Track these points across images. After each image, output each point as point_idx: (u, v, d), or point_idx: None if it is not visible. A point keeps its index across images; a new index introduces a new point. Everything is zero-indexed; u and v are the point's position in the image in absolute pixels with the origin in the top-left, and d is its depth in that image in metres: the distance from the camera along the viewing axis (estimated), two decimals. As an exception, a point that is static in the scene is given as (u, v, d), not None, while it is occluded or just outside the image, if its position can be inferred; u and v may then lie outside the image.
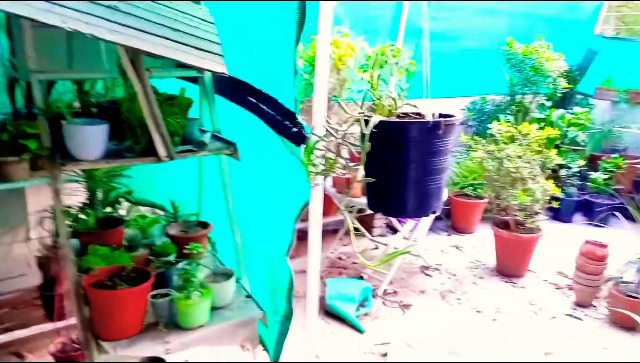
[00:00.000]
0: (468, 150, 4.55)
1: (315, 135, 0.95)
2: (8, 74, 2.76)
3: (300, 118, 1.48)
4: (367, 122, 0.86)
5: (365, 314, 3.42)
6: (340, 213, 0.88)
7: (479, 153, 3.96)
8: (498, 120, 4.33)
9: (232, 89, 1.87)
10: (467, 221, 4.92)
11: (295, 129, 1.50)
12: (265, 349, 1.95)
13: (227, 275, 1.88)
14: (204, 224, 2.29)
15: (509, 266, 4.05)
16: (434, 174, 0.89)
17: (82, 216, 2.28)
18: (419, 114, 0.98)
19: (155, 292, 1.75)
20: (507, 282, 3.96)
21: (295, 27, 1.41)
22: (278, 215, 1.74)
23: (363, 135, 0.80)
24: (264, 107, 1.66)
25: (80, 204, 2.39)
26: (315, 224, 1.58)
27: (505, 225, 4.00)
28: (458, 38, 4.73)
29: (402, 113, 0.97)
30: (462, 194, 4.92)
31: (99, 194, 2.39)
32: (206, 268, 1.87)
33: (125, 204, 3.01)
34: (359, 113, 0.91)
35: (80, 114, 1.78)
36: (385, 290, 3.73)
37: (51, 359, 2.79)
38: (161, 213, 3.09)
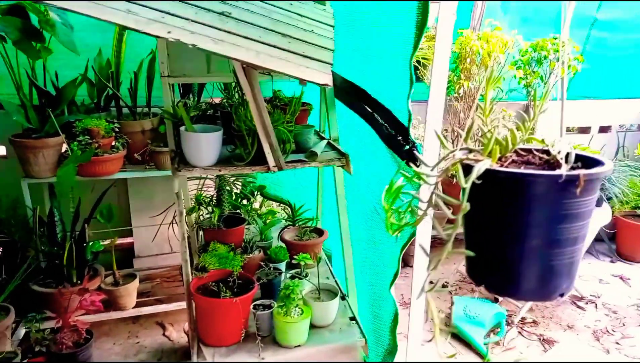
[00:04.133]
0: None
1: (404, 174, 0.76)
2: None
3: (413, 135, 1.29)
4: (468, 169, 0.64)
5: (497, 343, 3.05)
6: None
7: (662, 168, 3.21)
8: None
9: (350, 95, 1.74)
10: (638, 248, 4.09)
11: (407, 147, 1.32)
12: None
13: (332, 293, 1.78)
14: (320, 232, 2.22)
15: (695, 313, 3.23)
16: (564, 246, 0.62)
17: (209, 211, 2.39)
18: (546, 152, 0.70)
19: (259, 302, 1.74)
20: (690, 333, 3.17)
21: (414, 30, 1.21)
22: (385, 239, 1.58)
23: (463, 189, 0.58)
24: (378, 118, 1.49)
25: (210, 200, 2.53)
26: (420, 258, 1.37)
27: (693, 261, 3.20)
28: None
29: (521, 150, 0.71)
30: (633, 215, 4.10)
31: (227, 192, 2.49)
32: (309, 283, 1.79)
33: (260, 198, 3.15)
34: (461, 149, 0.68)
35: (203, 118, 1.83)
36: (524, 319, 3.28)
37: (184, 335, 3.05)
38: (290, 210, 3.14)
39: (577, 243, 0.64)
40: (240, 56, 1.16)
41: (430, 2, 1.17)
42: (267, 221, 2.33)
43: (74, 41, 2.80)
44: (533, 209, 0.60)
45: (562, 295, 0.65)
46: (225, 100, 2.28)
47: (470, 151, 0.71)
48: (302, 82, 1.28)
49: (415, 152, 1.25)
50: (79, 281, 2.91)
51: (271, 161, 1.56)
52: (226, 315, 1.58)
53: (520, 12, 3.69)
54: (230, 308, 1.56)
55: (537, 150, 0.70)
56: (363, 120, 1.65)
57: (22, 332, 2.80)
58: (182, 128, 1.58)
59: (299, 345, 1.61)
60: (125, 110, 3.20)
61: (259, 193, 3.07)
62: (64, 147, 2.93)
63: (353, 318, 1.79)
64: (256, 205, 3.00)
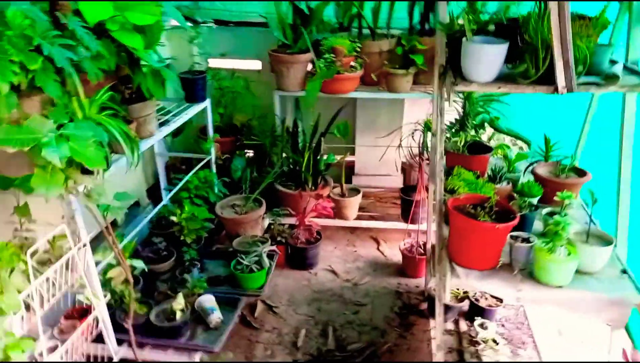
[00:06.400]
0: None
1: None
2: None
3: None
4: None
5: None
6: None
7: None
8: None
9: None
10: None
11: None
12: (632, 340, 1.60)
13: (604, 240, 1.57)
14: (581, 172, 1.97)
15: None
16: None
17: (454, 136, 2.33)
18: None
19: (515, 234, 1.64)
20: None
21: None
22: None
23: None
24: None
25: (450, 124, 2.45)
26: None
27: None
28: None
29: None
30: None
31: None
32: (577, 224, 1.61)
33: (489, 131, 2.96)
34: None
35: (476, 33, 1.70)
36: None
37: (399, 254, 3.17)
38: (525, 148, 2.88)
39: None
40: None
41: None
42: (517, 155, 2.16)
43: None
44: None
45: None
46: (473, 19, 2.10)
47: None
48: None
49: None
50: (312, 188, 3.23)
51: (561, 81, 1.38)
52: (483, 239, 1.53)
53: None
54: (490, 233, 1.51)
55: None
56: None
57: (266, 222, 3.27)
58: (464, 39, 1.50)
59: (560, 287, 1.49)
60: (365, 31, 3.26)
61: (489, 124, 2.88)
62: (309, 65, 3.15)
63: (625, 271, 1.56)
64: (484, 138, 2.82)
